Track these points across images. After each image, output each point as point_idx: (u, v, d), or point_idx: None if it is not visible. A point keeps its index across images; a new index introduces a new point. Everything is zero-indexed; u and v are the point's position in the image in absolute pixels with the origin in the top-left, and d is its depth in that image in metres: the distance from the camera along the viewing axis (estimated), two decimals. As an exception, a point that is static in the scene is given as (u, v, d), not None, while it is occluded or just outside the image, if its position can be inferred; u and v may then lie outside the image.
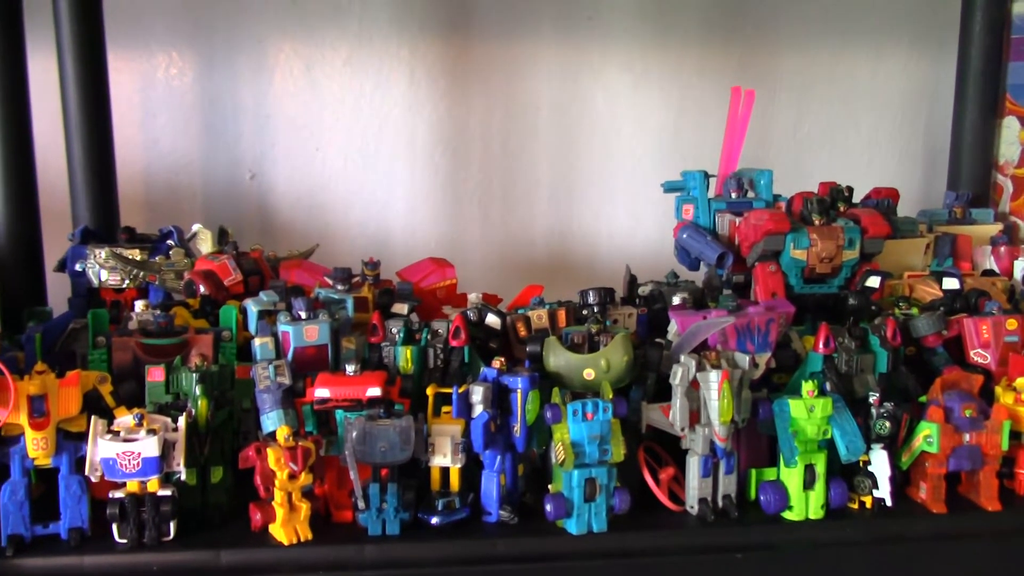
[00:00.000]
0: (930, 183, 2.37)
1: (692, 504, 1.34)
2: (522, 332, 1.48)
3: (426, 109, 2.32)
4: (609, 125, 2.39)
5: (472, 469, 1.34)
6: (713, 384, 1.29)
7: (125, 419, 1.23)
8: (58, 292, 1.79)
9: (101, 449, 1.20)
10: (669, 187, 1.81)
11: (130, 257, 1.62)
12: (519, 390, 1.28)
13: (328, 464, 1.32)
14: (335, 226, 2.36)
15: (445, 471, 1.32)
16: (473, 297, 1.56)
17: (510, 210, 2.38)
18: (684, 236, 1.71)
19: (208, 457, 1.30)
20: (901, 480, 1.37)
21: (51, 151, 1.92)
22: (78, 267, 1.64)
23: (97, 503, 1.27)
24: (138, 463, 1.20)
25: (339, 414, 1.31)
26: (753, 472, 1.37)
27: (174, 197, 2.28)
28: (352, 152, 2.34)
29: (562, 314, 1.48)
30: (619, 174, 2.41)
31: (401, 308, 1.48)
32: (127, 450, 1.20)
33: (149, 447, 1.20)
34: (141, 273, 1.61)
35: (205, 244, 1.67)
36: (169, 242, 1.69)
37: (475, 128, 2.35)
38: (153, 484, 1.23)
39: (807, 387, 1.30)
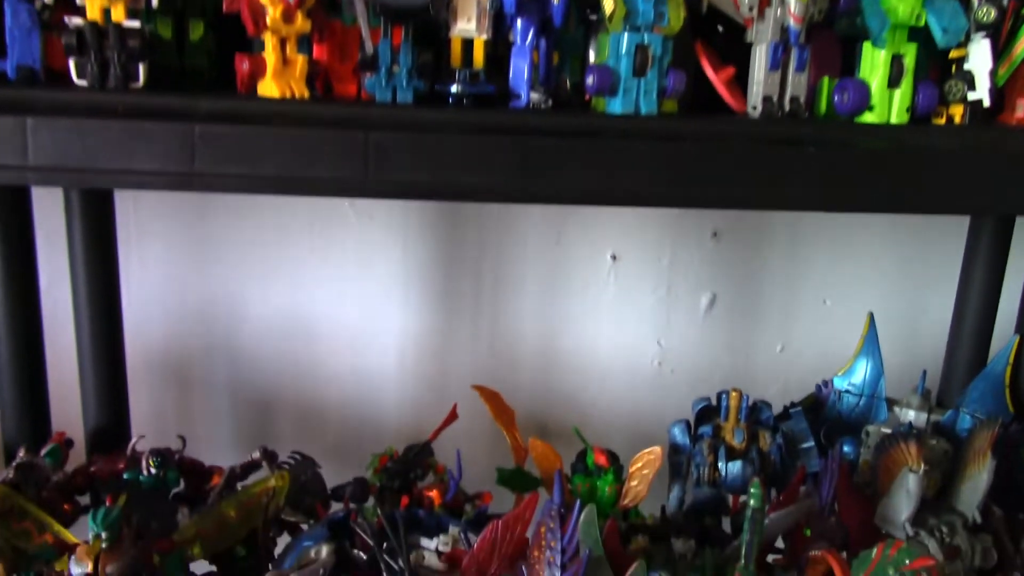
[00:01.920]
0: None
1: (755, 104, 1.14)
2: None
3: None
4: None
5: (500, 59, 1.14)
6: (791, -52, 1.09)
7: (85, -75, 1.01)
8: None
9: (54, -57, 0.99)
10: None
11: None
12: (561, -62, 1.08)
13: (330, 31, 1.11)
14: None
15: (468, 44, 1.12)
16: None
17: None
18: None
19: (187, 3, 1.09)
20: (996, 98, 1.18)
21: None
22: None
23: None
24: (100, -36, 0.99)
25: (345, -37, 1.10)
26: (825, 80, 1.18)
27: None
28: None
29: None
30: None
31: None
32: (87, -57, 0.98)
33: (114, -58, 0.98)
34: None
35: None
36: None
37: None
38: (118, 12, 1.02)
39: (900, -41, 1.10)
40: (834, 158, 1.08)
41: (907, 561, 1.22)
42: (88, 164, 0.98)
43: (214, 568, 1.47)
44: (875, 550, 1.26)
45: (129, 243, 1.90)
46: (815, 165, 1.07)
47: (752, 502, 1.29)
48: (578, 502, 1.35)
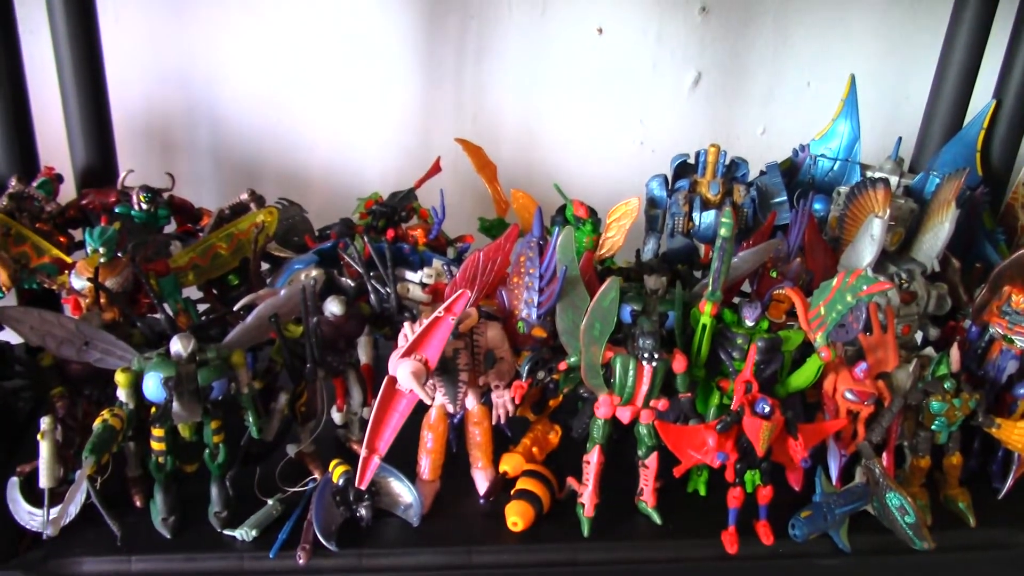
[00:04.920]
0: None
1: None
2: None
3: None
4: None
5: None
6: None
7: None
8: None
9: None
10: None
11: None
12: None
13: None
14: None
15: None
16: None
17: None
18: None
19: None
20: None
21: None
22: None
23: None
24: None
25: None
26: None
27: None
28: None
29: None
30: None
31: None
32: None
33: None
34: None
35: None
36: None
37: None
38: None
39: None
40: None
41: (864, 286, 1.30)
42: None
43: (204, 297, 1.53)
44: (835, 279, 1.34)
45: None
46: None
47: (722, 231, 1.35)
48: (556, 229, 1.41)
